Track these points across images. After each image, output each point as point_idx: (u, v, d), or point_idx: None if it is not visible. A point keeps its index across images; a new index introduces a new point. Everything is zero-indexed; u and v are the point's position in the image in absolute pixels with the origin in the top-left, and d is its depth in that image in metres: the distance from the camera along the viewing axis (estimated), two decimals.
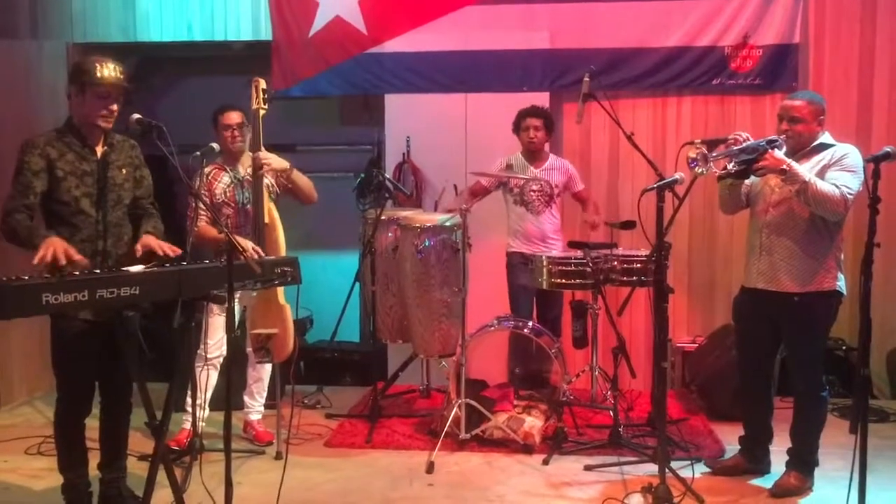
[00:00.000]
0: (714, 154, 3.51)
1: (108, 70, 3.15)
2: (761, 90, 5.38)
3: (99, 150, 3.24)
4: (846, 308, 3.75)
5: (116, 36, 5.74)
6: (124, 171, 3.31)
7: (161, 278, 2.96)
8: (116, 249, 3.26)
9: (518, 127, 4.95)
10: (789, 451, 3.80)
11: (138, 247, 3.17)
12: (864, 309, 3.04)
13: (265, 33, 5.66)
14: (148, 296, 2.92)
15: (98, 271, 3.00)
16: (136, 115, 3.18)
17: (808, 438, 3.72)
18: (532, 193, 4.95)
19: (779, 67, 5.31)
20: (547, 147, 5.10)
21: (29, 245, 2.99)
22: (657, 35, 5.40)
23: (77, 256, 2.92)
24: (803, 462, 3.74)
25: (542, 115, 4.93)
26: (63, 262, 2.84)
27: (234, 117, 4.28)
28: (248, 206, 4.23)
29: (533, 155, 4.98)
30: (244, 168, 4.30)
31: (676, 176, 3.59)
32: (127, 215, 3.33)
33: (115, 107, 3.21)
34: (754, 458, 3.93)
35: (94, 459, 3.47)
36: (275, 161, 4.10)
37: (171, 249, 3.15)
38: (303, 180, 4.29)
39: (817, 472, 3.77)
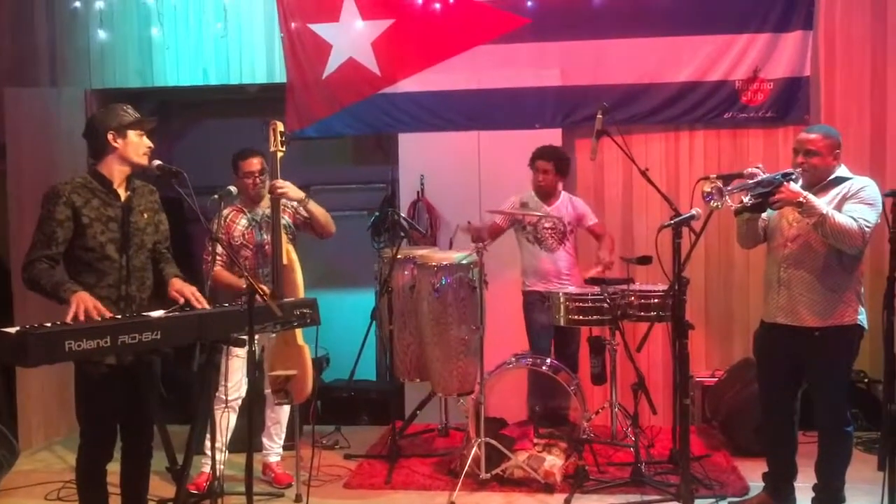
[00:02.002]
0: (730, 188, 3.51)
1: (136, 111, 3.31)
2: (773, 123, 5.40)
3: (122, 195, 3.29)
4: (866, 340, 3.71)
5: (134, 81, 5.83)
6: (146, 215, 3.35)
7: (182, 323, 2.99)
8: (140, 294, 3.28)
9: (532, 165, 4.99)
10: (815, 488, 3.74)
11: (173, 292, 3.21)
12: (889, 343, 3.02)
13: (279, 76, 5.73)
14: (169, 340, 2.95)
15: (120, 316, 3.02)
16: (158, 161, 3.27)
17: (834, 474, 3.67)
18: (545, 231, 4.96)
19: (790, 100, 5.33)
20: (560, 185, 5.12)
21: (54, 297, 3.02)
22: (668, 70, 5.43)
23: (108, 313, 2.96)
24: (829, 498, 3.69)
25: (553, 158, 4.94)
26: (96, 316, 2.89)
27: (255, 164, 4.31)
28: (267, 247, 4.25)
29: (544, 193, 5.00)
30: (263, 210, 4.33)
31: (693, 212, 3.59)
32: (150, 260, 3.36)
33: (150, 143, 3.32)
34: (779, 495, 3.87)
35: None
36: (291, 190, 4.10)
37: (203, 303, 3.19)
38: (319, 211, 4.27)
39: None
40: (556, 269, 4.96)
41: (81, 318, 2.88)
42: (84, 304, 2.92)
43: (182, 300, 3.19)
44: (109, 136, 3.22)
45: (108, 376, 3.12)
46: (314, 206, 4.25)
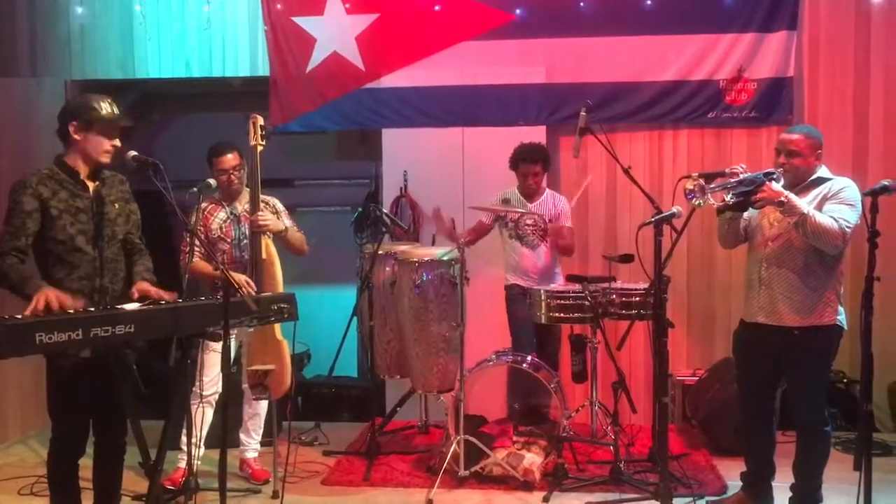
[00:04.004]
0: (712, 186, 3.51)
1: (111, 107, 3.22)
2: (757, 123, 5.41)
3: (91, 186, 3.24)
4: (845, 341, 3.72)
5: (115, 73, 5.77)
6: (117, 205, 3.30)
7: (156, 316, 2.94)
8: (114, 286, 3.24)
9: (516, 168, 4.95)
10: (792, 487, 3.75)
11: (134, 292, 3.15)
12: (866, 343, 3.02)
13: (263, 69, 5.69)
14: (143, 334, 2.91)
15: (93, 309, 2.98)
16: (133, 153, 3.20)
17: (812, 474, 3.68)
18: (527, 227, 4.94)
19: (774, 101, 5.34)
20: (544, 182, 5.10)
21: (20, 293, 2.97)
22: (652, 69, 5.43)
23: (70, 305, 2.89)
24: (807, 498, 3.69)
25: (540, 159, 4.92)
26: (56, 305, 2.83)
27: (229, 161, 4.25)
28: (245, 241, 4.22)
29: (532, 192, 4.98)
30: (241, 204, 4.29)
31: (674, 210, 3.58)
32: (122, 251, 3.31)
33: (117, 142, 3.25)
34: (757, 494, 3.87)
35: (87, 500, 3.41)
36: (272, 224, 4.11)
37: (167, 296, 3.14)
38: (296, 238, 4.31)
39: None
40: (537, 266, 4.94)
41: (41, 310, 2.80)
42: (46, 296, 2.85)
43: (136, 297, 3.10)
44: (71, 128, 3.17)
45: (79, 370, 3.08)
46: (292, 235, 4.27)
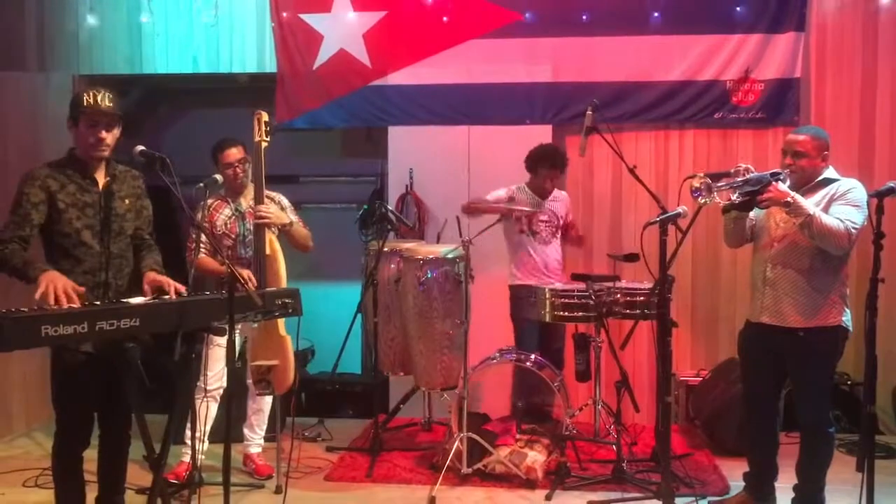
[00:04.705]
0: (718, 185, 3.50)
1: (97, 98, 3.14)
2: (763, 124, 5.40)
3: (101, 181, 3.25)
4: (850, 343, 3.72)
5: (123, 68, 5.78)
6: (127, 201, 3.30)
7: (161, 310, 2.95)
8: (118, 281, 3.25)
9: (535, 171, 4.91)
10: (795, 488, 3.75)
11: (146, 286, 3.14)
12: (870, 345, 3.02)
13: (270, 66, 5.70)
14: (148, 327, 2.90)
15: (98, 303, 2.99)
16: (140, 147, 3.17)
17: (815, 475, 3.67)
18: (541, 224, 4.94)
19: (781, 102, 5.33)
20: None
21: (23, 276, 2.98)
22: (659, 69, 5.42)
23: (78, 288, 2.90)
24: (809, 499, 3.69)
25: (561, 166, 4.93)
26: (65, 301, 2.82)
27: (234, 154, 4.26)
28: (249, 237, 4.23)
29: (545, 192, 4.99)
30: (246, 201, 4.30)
31: (679, 209, 3.58)
32: (130, 246, 3.32)
33: (104, 135, 3.16)
34: (759, 494, 3.87)
35: (91, 493, 3.42)
36: (275, 217, 4.09)
37: (179, 288, 3.12)
38: (300, 233, 4.28)
39: None
40: (546, 263, 4.94)
41: (51, 299, 2.80)
42: (53, 282, 2.85)
43: (149, 291, 3.10)
44: (68, 122, 3.18)
45: (83, 364, 3.08)
46: (297, 231, 4.25)
